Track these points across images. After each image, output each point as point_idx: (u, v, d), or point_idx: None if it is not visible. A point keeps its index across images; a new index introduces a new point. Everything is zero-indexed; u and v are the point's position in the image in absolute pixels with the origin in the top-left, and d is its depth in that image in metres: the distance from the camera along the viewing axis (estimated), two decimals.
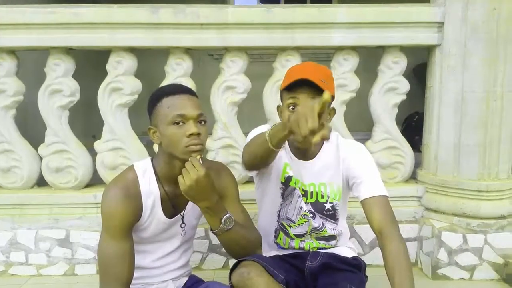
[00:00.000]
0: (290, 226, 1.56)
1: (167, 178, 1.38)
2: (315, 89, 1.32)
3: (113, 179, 1.39)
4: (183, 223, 1.44)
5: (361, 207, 1.44)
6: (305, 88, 1.34)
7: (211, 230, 1.33)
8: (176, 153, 1.28)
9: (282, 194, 1.54)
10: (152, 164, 1.40)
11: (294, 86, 1.35)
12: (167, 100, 1.30)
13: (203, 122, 1.31)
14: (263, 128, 1.49)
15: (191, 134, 1.26)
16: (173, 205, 1.39)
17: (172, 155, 1.31)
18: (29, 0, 2.34)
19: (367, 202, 1.41)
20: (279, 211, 1.55)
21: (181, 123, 1.27)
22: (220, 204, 1.32)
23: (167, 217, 1.39)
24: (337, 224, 1.57)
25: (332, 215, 1.55)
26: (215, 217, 1.30)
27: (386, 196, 1.42)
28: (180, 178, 1.24)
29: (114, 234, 1.28)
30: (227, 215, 1.32)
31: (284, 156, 1.52)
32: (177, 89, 1.33)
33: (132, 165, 1.41)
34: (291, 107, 1.37)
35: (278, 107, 1.50)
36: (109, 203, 1.30)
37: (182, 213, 1.42)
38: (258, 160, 1.40)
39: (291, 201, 1.54)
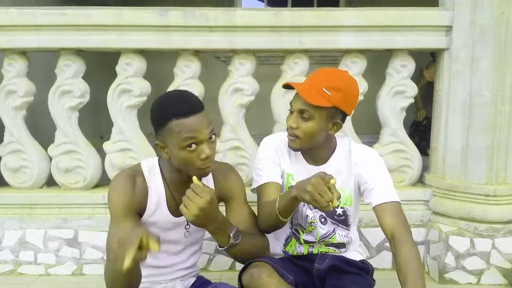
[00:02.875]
0: (302, 232, 1.57)
1: (173, 181, 1.39)
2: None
3: (120, 172, 1.42)
4: (188, 224, 1.44)
5: (368, 211, 1.46)
6: (298, 98, 1.42)
7: (220, 247, 1.33)
8: (189, 172, 1.29)
9: None
10: (159, 164, 1.42)
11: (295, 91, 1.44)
12: (177, 123, 1.23)
13: (213, 137, 1.29)
14: (270, 143, 1.58)
15: (206, 158, 1.26)
16: (178, 204, 1.40)
17: (182, 170, 1.32)
18: (39, 2, 2.36)
19: (379, 208, 1.42)
20: (292, 218, 1.55)
21: (193, 146, 1.25)
22: (225, 220, 1.33)
23: (173, 216, 1.40)
24: (349, 230, 1.57)
25: (343, 221, 1.55)
26: (223, 235, 1.31)
27: (398, 202, 1.43)
28: (183, 208, 1.21)
29: (118, 218, 1.30)
30: (234, 229, 1.33)
31: (289, 166, 1.54)
32: (186, 110, 1.24)
33: (139, 163, 1.43)
34: (289, 111, 1.47)
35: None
36: (114, 189, 1.34)
37: None
38: (274, 228, 1.47)
39: (298, 209, 1.55)
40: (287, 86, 1.48)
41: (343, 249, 1.59)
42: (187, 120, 1.23)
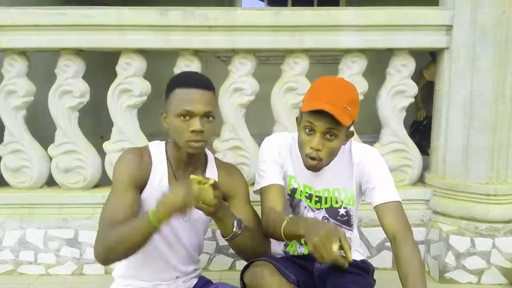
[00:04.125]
0: None
1: (176, 161, 1.43)
2: (332, 118, 1.31)
3: (129, 148, 1.49)
4: None
5: (367, 210, 1.46)
6: (323, 117, 1.32)
7: (224, 237, 1.36)
8: (178, 143, 1.35)
9: (291, 205, 1.56)
10: (165, 147, 1.47)
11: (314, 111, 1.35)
12: (179, 91, 1.33)
13: (210, 118, 1.34)
14: (273, 144, 1.55)
15: (194, 131, 1.30)
16: None
17: (177, 143, 1.37)
18: (39, 2, 2.36)
19: (380, 208, 1.42)
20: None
21: (187, 117, 1.31)
22: (228, 209, 1.38)
23: None
24: (352, 230, 1.57)
25: (346, 221, 1.55)
26: (228, 222, 1.33)
27: (399, 201, 1.43)
28: (199, 205, 1.22)
29: (119, 188, 1.35)
30: (237, 218, 1.36)
31: (291, 168, 1.54)
32: (191, 82, 1.34)
33: (147, 144, 1.49)
34: (307, 129, 1.38)
35: (297, 118, 1.49)
36: (121, 160, 1.40)
37: None
38: (275, 239, 1.44)
39: (299, 212, 1.56)
40: (314, 111, 1.35)
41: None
42: (187, 91, 1.32)
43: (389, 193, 1.43)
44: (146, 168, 1.40)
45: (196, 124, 1.30)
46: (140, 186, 1.39)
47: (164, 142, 1.50)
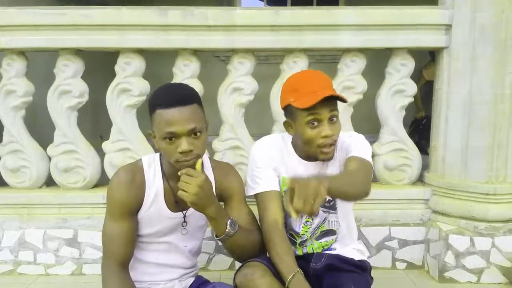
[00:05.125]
0: (298, 236, 1.57)
1: (171, 174, 1.39)
2: (330, 101, 1.37)
3: (122, 166, 1.45)
4: (184, 221, 1.45)
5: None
6: (325, 105, 1.36)
7: (217, 237, 1.35)
8: (171, 162, 1.31)
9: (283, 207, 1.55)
10: (160, 159, 1.44)
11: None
12: (160, 112, 1.25)
13: (198, 134, 1.27)
14: (266, 147, 1.55)
15: (182, 152, 1.25)
16: (176, 200, 1.39)
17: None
18: (39, 2, 2.36)
19: (350, 158, 1.41)
20: (285, 222, 1.55)
21: (173, 139, 1.25)
22: (222, 208, 1.36)
23: (170, 210, 1.41)
24: (336, 213, 1.56)
25: (332, 206, 1.55)
26: (221, 222, 1.32)
27: (368, 162, 1.42)
28: (181, 193, 1.23)
29: (114, 215, 1.36)
30: (231, 218, 1.35)
31: (283, 169, 1.53)
32: (168, 101, 1.25)
33: (141, 158, 1.46)
34: (311, 123, 1.39)
35: (286, 122, 1.49)
36: (113, 186, 1.37)
37: (184, 213, 1.43)
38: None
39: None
40: (308, 107, 1.37)
41: (333, 237, 1.58)
42: (167, 112, 1.24)
43: (360, 151, 1.43)
44: (139, 189, 1.38)
45: (182, 144, 1.24)
46: (135, 208, 1.38)
47: (158, 154, 1.46)
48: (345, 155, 1.47)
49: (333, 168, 1.51)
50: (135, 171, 1.40)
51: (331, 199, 1.53)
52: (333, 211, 1.56)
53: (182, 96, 1.28)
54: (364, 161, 1.40)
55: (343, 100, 1.40)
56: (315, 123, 1.38)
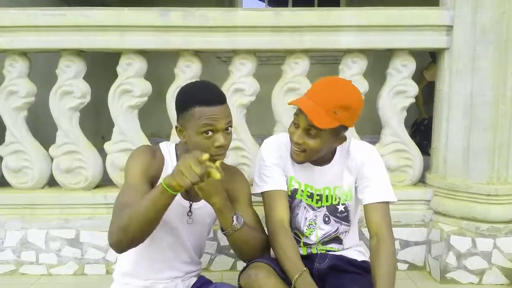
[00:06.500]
0: (303, 235, 1.58)
1: None
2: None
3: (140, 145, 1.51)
4: (190, 211, 1.46)
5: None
6: (305, 115, 1.37)
7: (222, 230, 1.37)
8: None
9: (290, 207, 1.56)
10: (175, 148, 1.49)
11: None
12: (200, 110, 1.32)
13: (229, 129, 1.38)
14: (274, 146, 1.57)
15: (219, 146, 1.33)
16: (187, 190, 1.38)
17: None
18: (39, 3, 2.37)
19: (369, 207, 1.46)
20: (291, 222, 1.55)
21: (210, 133, 1.33)
22: (229, 203, 1.38)
23: (181, 196, 1.42)
24: (349, 226, 1.58)
25: (345, 217, 1.56)
26: (227, 215, 1.34)
27: (387, 202, 1.47)
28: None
29: (132, 178, 1.35)
30: (237, 214, 1.37)
31: (290, 169, 1.54)
32: (210, 99, 1.34)
33: (158, 144, 1.51)
34: (294, 122, 1.44)
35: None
36: (135, 154, 1.42)
37: (191, 203, 1.46)
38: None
39: (298, 213, 1.56)
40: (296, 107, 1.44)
41: (340, 246, 1.59)
42: (209, 109, 1.32)
43: (380, 192, 1.46)
44: (158, 164, 1.42)
45: (220, 139, 1.33)
46: (152, 181, 1.39)
47: (173, 144, 1.51)
48: (355, 172, 1.51)
49: (332, 171, 1.52)
50: (155, 149, 1.46)
51: (343, 210, 1.55)
52: (345, 223, 1.57)
53: (219, 95, 1.39)
54: (384, 211, 1.45)
55: (317, 128, 1.36)
56: (296, 125, 1.43)
